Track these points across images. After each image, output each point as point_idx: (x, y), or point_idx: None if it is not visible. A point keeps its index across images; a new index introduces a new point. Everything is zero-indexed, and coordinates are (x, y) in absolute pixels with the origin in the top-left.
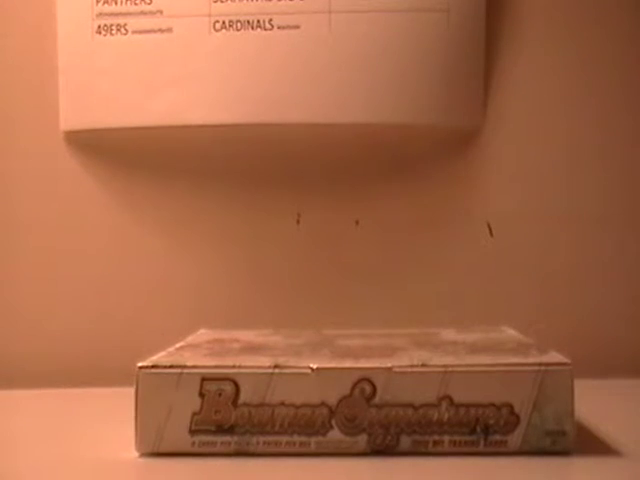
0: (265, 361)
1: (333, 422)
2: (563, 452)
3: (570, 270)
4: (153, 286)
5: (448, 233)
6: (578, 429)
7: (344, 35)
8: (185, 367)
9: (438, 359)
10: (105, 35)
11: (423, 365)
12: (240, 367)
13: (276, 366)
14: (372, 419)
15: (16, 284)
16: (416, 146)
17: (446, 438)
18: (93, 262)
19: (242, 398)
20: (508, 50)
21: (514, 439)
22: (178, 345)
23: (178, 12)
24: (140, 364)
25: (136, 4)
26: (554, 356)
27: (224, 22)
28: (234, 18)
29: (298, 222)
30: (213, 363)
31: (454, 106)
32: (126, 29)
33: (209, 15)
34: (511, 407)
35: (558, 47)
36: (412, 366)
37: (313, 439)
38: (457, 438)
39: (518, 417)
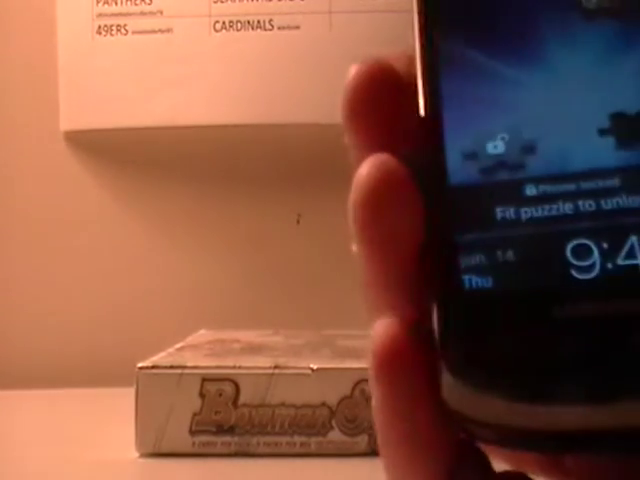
0: (265, 361)
1: (333, 422)
2: None
3: None
4: (153, 286)
5: None
6: None
7: (344, 35)
8: (185, 367)
9: None
10: (105, 35)
11: None
12: (240, 367)
13: (276, 366)
14: (372, 419)
15: (16, 284)
16: None
17: None
18: (93, 262)
19: (242, 398)
20: None
21: None
22: (178, 345)
23: (178, 12)
24: (140, 364)
25: (136, 4)
26: None
27: (224, 22)
28: (234, 18)
29: (298, 222)
30: (213, 363)
31: None
32: (126, 29)
33: (209, 15)
34: None
35: None
36: None
37: (313, 439)
38: None
39: None
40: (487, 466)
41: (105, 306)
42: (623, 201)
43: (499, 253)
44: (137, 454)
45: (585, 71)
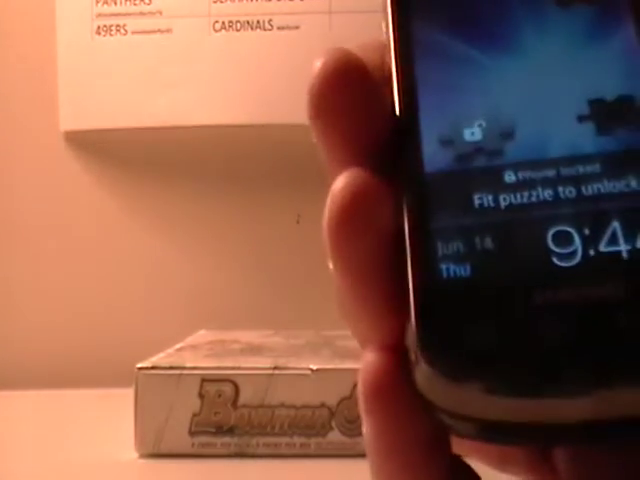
0: (265, 362)
1: (333, 423)
2: None
3: None
4: (153, 286)
5: None
6: None
7: (344, 35)
8: (185, 368)
9: None
10: (105, 35)
11: None
12: (240, 368)
13: (276, 367)
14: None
15: (15, 284)
16: None
17: None
18: (93, 262)
19: (242, 399)
20: None
21: None
22: (178, 346)
23: (178, 12)
24: (139, 365)
25: (136, 4)
26: None
27: (224, 22)
28: (234, 18)
29: (298, 222)
30: (213, 364)
31: None
32: (126, 30)
33: (209, 15)
34: None
35: None
36: None
37: (313, 440)
38: None
39: None
40: None
41: (105, 306)
42: (604, 187)
43: (477, 241)
44: (136, 455)
45: (562, 57)
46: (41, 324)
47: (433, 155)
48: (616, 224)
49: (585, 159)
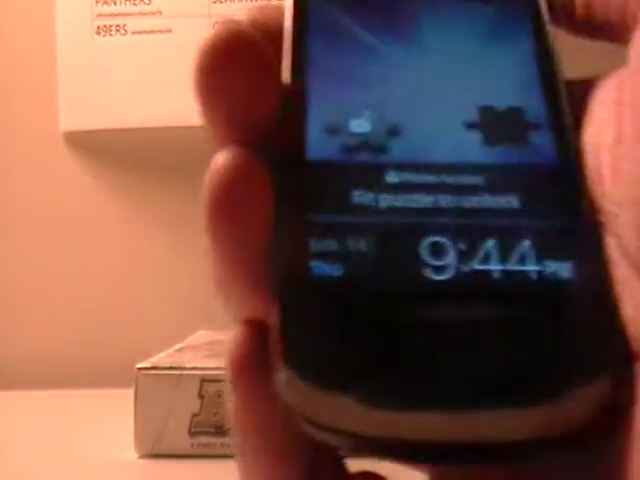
0: None
1: None
2: None
3: None
4: (153, 286)
5: None
6: None
7: None
8: (184, 368)
9: None
10: (104, 36)
11: None
12: None
13: None
14: None
15: (15, 284)
16: None
17: None
18: (92, 262)
19: None
20: None
21: None
22: (178, 346)
23: (178, 13)
24: (139, 365)
25: (135, 5)
26: None
27: None
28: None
29: None
30: (212, 364)
31: None
32: (125, 30)
33: (209, 16)
34: None
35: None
36: None
37: None
38: None
39: None
40: (341, 467)
41: (104, 306)
42: (484, 201)
43: (352, 241)
44: (136, 455)
45: (460, 59)
46: (41, 324)
47: (317, 142)
48: (492, 242)
49: (468, 169)
